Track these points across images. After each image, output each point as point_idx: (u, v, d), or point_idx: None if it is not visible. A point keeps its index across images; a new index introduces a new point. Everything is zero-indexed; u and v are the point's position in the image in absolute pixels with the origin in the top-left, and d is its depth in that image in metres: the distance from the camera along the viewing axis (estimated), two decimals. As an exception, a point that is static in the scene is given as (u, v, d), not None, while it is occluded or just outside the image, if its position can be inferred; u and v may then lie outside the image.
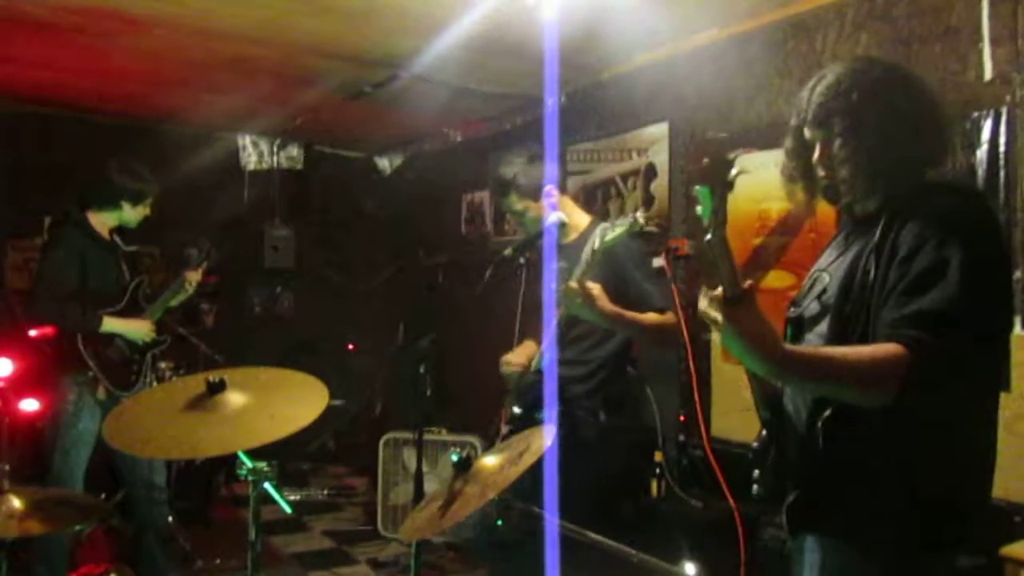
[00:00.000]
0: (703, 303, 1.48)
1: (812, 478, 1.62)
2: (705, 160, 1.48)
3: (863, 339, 1.51)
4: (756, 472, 1.76)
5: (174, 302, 3.82)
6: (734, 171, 1.47)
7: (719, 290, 1.45)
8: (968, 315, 1.41)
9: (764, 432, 1.75)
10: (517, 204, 2.97)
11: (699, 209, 1.48)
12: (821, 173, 1.69)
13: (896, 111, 1.59)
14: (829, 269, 1.68)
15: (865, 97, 1.59)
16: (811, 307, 1.67)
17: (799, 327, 1.69)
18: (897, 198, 1.57)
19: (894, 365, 1.40)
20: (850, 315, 1.54)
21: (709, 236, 1.45)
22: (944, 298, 1.41)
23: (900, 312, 1.44)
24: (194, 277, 3.82)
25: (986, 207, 1.63)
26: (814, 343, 1.64)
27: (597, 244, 2.55)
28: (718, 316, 1.45)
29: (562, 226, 2.93)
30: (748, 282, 1.45)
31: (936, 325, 1.40)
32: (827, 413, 1.55)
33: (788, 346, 1.50)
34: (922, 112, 1.61)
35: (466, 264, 5.31)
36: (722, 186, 1.46)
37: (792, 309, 1.74)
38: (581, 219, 2.99)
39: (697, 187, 1.47)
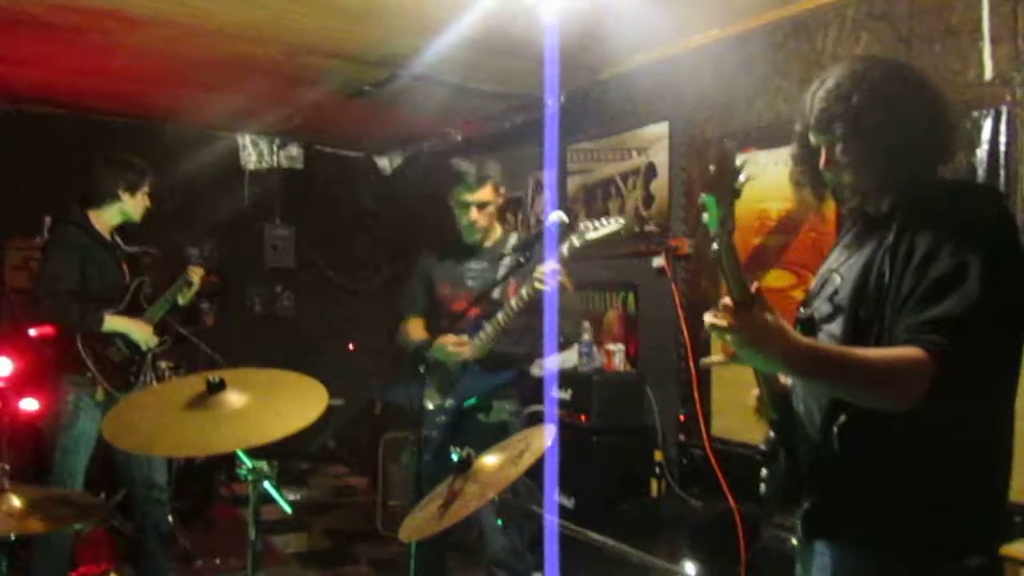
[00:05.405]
0: (708, 316, 1.46)
1: (828, 484, 1.59)
2: (712, 168, 1.46)
3: (878, 342, 1.49)
4: (764, 472, 1.74)
5: (182, 299, 3.81)
6: (741, 178, 1.45)
7: (726, 298, 1.43)
8: (987, 321, 1.39)
9: (772, 434, 1.73)
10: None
11: (705, 217, 1.45)
12: (828, 178, 1.68)
13: (898, 111, 1.57)
14: (840, 270, 1.65)
15: (865, 99, 1.57)
16: (822, 308, 1.65)
17: (810, 328, 1.67)
18: (910, 197, 1.55)
19: (915, 369, 1.38)
20: (865, 318, 1.52)
21: (716, 245, 1.43)
22: (963, 304, 1.39)
23: (919, 317, 1.42)
24: (198, 271, 3.81)
25: (1004, 208, 1.60)
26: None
27: (577, 242, 2.87)
28: (724, 323, 1.42)
29: (486, 231, 3.28)
30: (755, 285, 1.43)
31: (956, 330, 1.38)
32: (843, 418, 1.53)
33: (805, 341, 1.47)
34: (927, 109, 1.58)
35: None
36: (729, 194, 1.44)
37: (802, 310, 1.72)
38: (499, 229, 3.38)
39: (703, 196, 1.44)
